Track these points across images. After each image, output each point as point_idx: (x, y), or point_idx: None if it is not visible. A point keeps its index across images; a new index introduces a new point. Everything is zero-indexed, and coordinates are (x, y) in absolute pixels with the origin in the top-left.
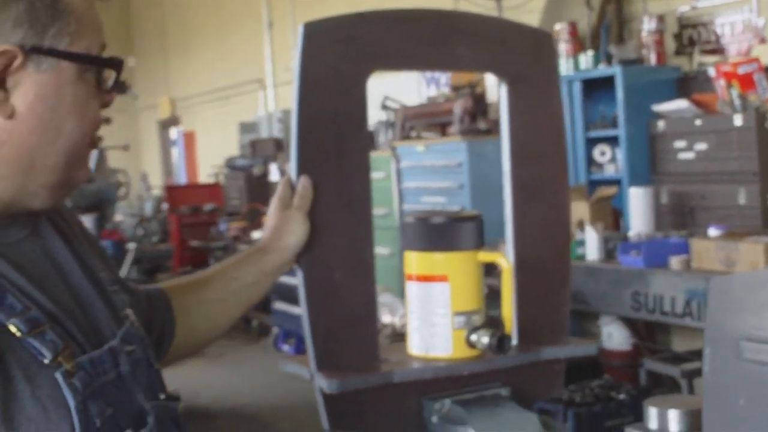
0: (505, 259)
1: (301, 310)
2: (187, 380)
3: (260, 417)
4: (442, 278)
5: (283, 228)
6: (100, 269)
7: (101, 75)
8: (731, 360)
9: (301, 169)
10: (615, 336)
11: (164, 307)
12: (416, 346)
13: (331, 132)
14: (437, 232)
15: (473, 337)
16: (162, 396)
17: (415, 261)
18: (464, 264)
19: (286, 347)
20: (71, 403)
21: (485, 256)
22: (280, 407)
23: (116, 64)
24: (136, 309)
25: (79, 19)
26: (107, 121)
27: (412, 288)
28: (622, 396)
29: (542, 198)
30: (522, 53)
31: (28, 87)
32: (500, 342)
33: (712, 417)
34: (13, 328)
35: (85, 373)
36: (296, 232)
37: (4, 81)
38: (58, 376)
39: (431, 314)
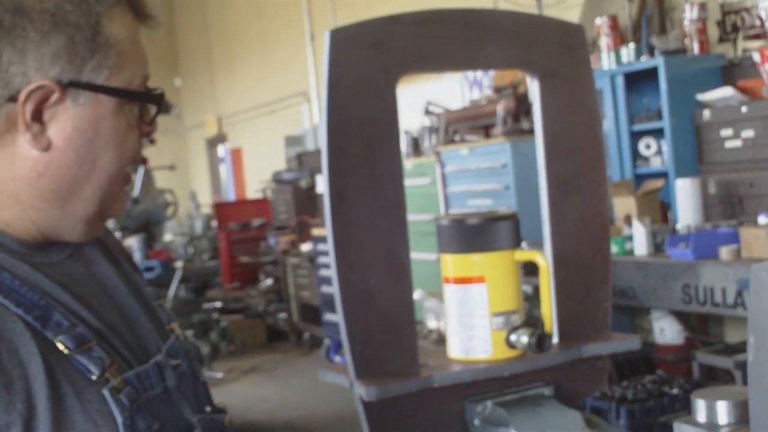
0: (542, 257)
1: (337, 317)
2: (241, 395)
3: (314, 429)
4: (479, 279)
5: None
6: (144, 285)
7: (144, 106)
8: None
9: (333, 176)
10: (667, 330)
11: None
12: (456, 348)
13: (363, 137)
14: (472, 233)
15: (513, 337)
16: (208, 409)
17: (451, 263)
18: (501, 264)
19: (338, 358)
20: (119, 419)
21: (522, 255)
22: (334, 419)
23: (156, 99)
24: None
25: (119, 52)
26: (152, 141)
27: (449, 291)
28: (675, 391)
29: (579, 193)
30: (552, 48)
31: (65, 120)
32: (540, 341)
33: (758, 407)
34: (60, 346)
35: (132, 388)
36: None
37: (41, 114)
38: (106, 392)
39: (469, 316)
